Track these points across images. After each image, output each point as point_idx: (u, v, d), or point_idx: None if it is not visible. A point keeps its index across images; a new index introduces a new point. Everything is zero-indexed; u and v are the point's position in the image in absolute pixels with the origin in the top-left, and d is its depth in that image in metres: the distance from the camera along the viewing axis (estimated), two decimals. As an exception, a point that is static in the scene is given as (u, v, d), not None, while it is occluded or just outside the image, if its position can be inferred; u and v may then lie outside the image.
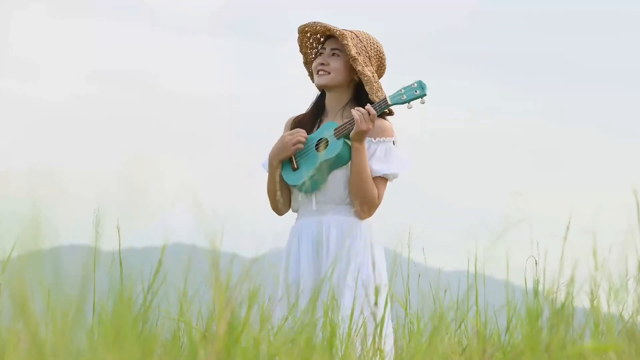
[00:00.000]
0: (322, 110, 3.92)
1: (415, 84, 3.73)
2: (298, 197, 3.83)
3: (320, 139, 3.79)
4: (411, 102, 3.74)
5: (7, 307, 2.25)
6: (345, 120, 3.75)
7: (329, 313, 2.67)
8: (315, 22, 3.86)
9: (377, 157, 3.75)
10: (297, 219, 3.85)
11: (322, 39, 3.93)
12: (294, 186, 3.80)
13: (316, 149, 3.78)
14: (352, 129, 3.69)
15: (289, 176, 3.82)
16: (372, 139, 3.76)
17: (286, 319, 2.74)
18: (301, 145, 3.78)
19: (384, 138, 3.76)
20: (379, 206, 3.76)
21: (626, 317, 2.81)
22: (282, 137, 3.81)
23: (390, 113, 3.87)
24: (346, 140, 3.74)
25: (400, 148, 3.82)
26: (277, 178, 3.79)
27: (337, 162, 3.74)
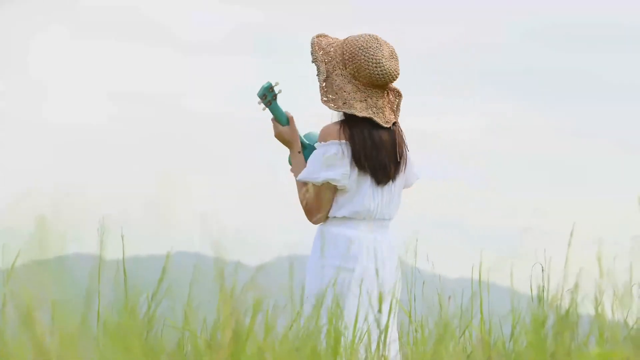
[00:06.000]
0: None
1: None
2: None
3: None
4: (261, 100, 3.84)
5: (12, 317, 2.25)
6: None
7: (333, 321, 2.67)
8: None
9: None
10: None
11: None
12: None
13: None
14: None
15: None
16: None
17: (290, 327, 2.75)
18: None
19: (317, 143, 3.80)
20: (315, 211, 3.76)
21: (631, 323, 2.81)
22: None
23: (352, 115, 3.87)
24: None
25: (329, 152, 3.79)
26: None
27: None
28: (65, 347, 2.14)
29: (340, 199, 3.72)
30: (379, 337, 2.93)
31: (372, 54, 3.74)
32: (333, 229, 3.72)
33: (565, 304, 2.64)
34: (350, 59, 3.76)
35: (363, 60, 3.74)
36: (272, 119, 3.82)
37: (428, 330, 3.39)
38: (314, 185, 3.70)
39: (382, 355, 2.91)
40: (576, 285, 2.65)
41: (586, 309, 2.70)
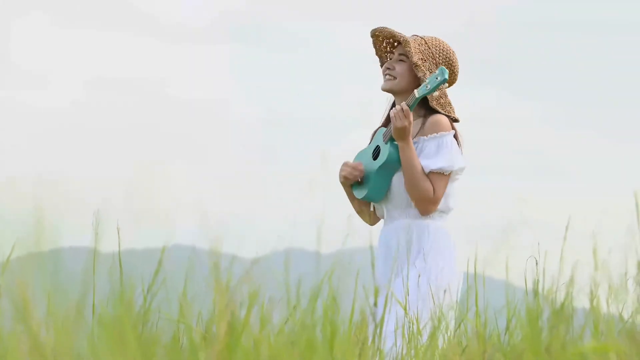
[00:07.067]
0: None
1: (437, 71, 3.73)
2: (375, 207, 3.93)
3: (376, 147, 3.86)
4: (436, 90, 3.75)
5: (7, 310, 2.25)
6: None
7: (329, 314, 2.67)
8: (383, 28, 3.90)
9: (426, 153, 3.77)
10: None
11: (395, 44, 3.97)
12: (363, 199, 3.90)
13: (373, 158, 3.85)
14: None
15: (356, 191, 3.93)
16: (425, 136, 3.79)
17: (286, 320, 2.74)
18: (350, 178, 3.88)
19: (436, 134, 3.77)
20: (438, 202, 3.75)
21: (626, 317, 2.81)
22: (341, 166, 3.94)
23: (456, 120, 3.87)
24: (394, 142, 3.77)
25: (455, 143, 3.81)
26: (351, 197, 3.96)
27: (389, 166, 3.80)
28: (61, 339, 2.14)
29: (449, 189, 3.77)
30: (375, 330, 2.93)
31: (457, 58, 3.84)
32: (446, 228, 3.78)
33: (561, 297, 2.64)
34: (445, 63, 3.81)
35: (456, 65, 3.86)
36: (405, 109, 3.71)
37: (423, 323, 3.40)
38: (443, 175, 3.72)
39: (378, 348, 2.91)
40: (571, 279, 2.65)
41: (581, 302, 2.70)
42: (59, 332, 2.15)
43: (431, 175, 3.73)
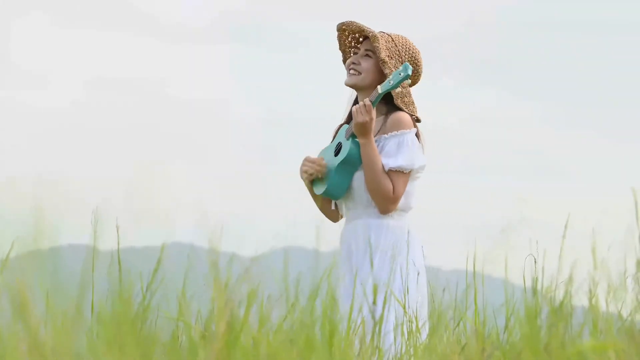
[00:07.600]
0: None
1: (401, 67, 3.70)
2: (337, 205, 3.89)
3: (338, 143, 3.83)
4: (398, 86, 3.72)
5: (6, 308, 2.25)
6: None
7: (328, 312, 2.67)
8: (352, 22, 3.86)
9: (386, 151, 3.73)
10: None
11: (360, 39, 3.93)
12: (322, 195, 3.85)
13: (335, 154, 3.81)
14: None
15: (316, 187, 3.88)
16: (385, 134, 3.76)
17: (285, 318, 2.75)
18: (311, 173, 3.82)
19: (397, 132, 3.75)
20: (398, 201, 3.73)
21: (625, 315, 2.81)
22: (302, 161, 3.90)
23: (418, 120, 3.86)
24: (355, 139, 3.73)
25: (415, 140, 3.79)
26: (312, 193, 3.89)
27: (350, 163, 3.75)
28: (60, 337, 2.14)
29: (409, 187, 3.76)
30: (374, 328, 2.94)
31: (422, 57, 3.83)
32: (405, 227, 3.76)
33: (560, 295, 2.64)
34: (410, 61, 3.79)
35: (421, 64, 3.85)
36: (367, 105, 3.68)
37: (422, 322, 3.40)
38: (403, 173, 3.70)
39: (377, 346, 2.91)
40: (570, 277, 2.65)
41: (580, 300, 2.70)
42: (58, 330, 2.15)
43: (391, 173, 3.70)
